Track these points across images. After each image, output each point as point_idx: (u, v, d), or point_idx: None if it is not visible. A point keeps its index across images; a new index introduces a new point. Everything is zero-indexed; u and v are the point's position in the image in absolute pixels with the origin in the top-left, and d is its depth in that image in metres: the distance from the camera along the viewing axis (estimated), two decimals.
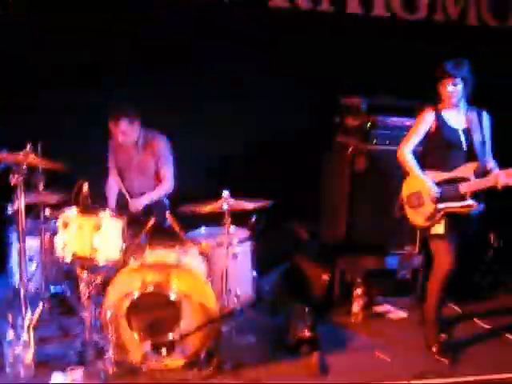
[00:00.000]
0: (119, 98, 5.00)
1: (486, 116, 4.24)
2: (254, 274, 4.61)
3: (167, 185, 4.88)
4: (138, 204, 4.76)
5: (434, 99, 4.24)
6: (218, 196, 4.19)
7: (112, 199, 4.91)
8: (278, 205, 4.46)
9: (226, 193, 4.18)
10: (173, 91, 5.56)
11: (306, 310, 4.42)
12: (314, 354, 4.05)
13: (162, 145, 4.88)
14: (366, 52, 5.89)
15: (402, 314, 5.04)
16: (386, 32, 6.03)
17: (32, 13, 5.33)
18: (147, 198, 4.81)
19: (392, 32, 6.05)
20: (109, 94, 5.19)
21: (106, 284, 3.95)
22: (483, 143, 4.19)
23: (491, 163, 4.24)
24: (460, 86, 4.10)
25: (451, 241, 4.15)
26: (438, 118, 4.20)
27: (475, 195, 4.09)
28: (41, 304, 4.33)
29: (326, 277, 5.03)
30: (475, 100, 4.23)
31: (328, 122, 5.60)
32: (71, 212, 3.90)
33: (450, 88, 4.11)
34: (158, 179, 4.93)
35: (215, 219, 4.35)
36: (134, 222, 4.29)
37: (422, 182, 4.20)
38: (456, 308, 5.12)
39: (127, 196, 4.85)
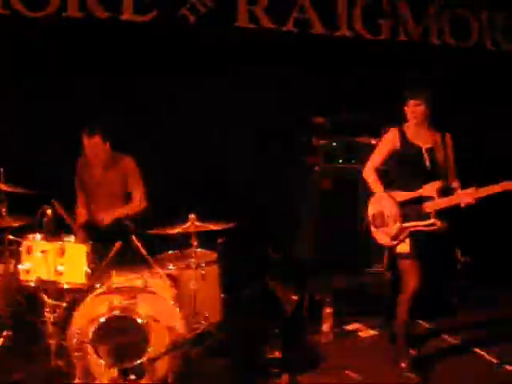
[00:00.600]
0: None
1: (448, 136, 4.32)
2: (223, 295, 4.58)
3: (136, 204, 4.84)
4: (108, 217, 4.69)
5: (399, 118, 4.30)
6: (186, 218, 4.17)
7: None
8: (246, 226, 4.46)
9: (192, 215, 4.17)
10: (141, 113, 5.55)
11: (276, 330, 4.40)
12: (284, 374, 4.03)
13: (131, 166, 4.85)
14: (330, 72, 5.95)
15: (372, 332, 5.05)
16: (350, 52, 6.10)
17: None
18: (117, 211, 4.74)
19: (356, 52, 6.11)
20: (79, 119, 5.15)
21: (71, 309, 3.88)
22: (446, 162, 4.26)
23: (454, 182, 4.30)
24: (423, 107, 4.17)
25: (417, 259, 4.18)
26: (403, 137, 4.25)
27: (439, 214, 4.14)
28: (5, 331, 4.25)
29: (295, 297, 5.03)
30: (438, 120, 4.30)
31: (295, 142, 5.63)
32: (35, 237, 3.85)
33: (414, 109, 4.17)
34: (126, 201, 4.89)
35: (183, 242, 4.33)
36: (100, 246, 4.23)
37: (385, 202, 4.24)
38: (425, 324, 5.15)
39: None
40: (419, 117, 4.20)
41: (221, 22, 5.89)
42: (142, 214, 4.88)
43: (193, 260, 4.26)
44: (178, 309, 3.94)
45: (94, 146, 4.69)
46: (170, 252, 4.75)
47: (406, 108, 4.22)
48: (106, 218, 4.68)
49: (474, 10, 6.53)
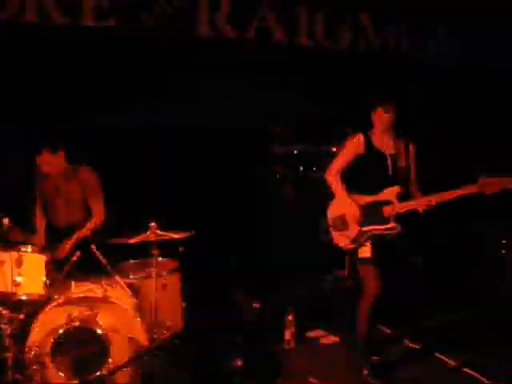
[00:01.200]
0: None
1: (411, 145, 4.39)
2: (184, 304, 4.55)
3: (97, 218, 4.78)
4: (66, 248, 4.61)
5: (363, 125, 4.35)
6: (146, 227, 4.14)
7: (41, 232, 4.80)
8: (207, 234, 4.45)
9: (153, 224, 4.14)
10: (98, 120, 5.49)
11: (238, 338, 4.39)
12: (247, 383, 4.02)
13: (90, 177, 4.79)
14: (291, 80, 5.99)
15: (334, 339, 5.08)
16: (311, 60, 6.14)
17: None
18: (75, 238, 4.67)
19: (316, 60, 6.16)
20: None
21: (29, 321, 3.81)
22: (407, 169, 4.33)
23: (414, 188, 4.38)
24: (390, 115, 4.22)
25: (378, 264, 4.23)
26: (367, 142, 4.30)
27: (399, 218, 4.20)
28: None
29: (256, 304, 5.03)
30: (401, 128, 4.37)
31: (257, 151, 5.65)
32: None
33: (381, 115, 4.22)
34: (85, 211, 4.83)
35: (143, 251, 4.29)
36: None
37: (346, 205, 4.29)
38: (386, 330, 5.20)
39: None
40: (386, 124, 4.25)
41: (181, 30, 5.87)
42: (101, 225, 4.83)
43: (154, 269, 4.22)
44: (138, 319, 3.91)
45: (46, 162, 4.65)
46: (131, 261, 4.70)
47: (373, 115, 4.27)
48: (62, 251, 4.59)
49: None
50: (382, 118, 4.23)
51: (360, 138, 4.32)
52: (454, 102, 6.32)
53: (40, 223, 4.84)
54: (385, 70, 6.17)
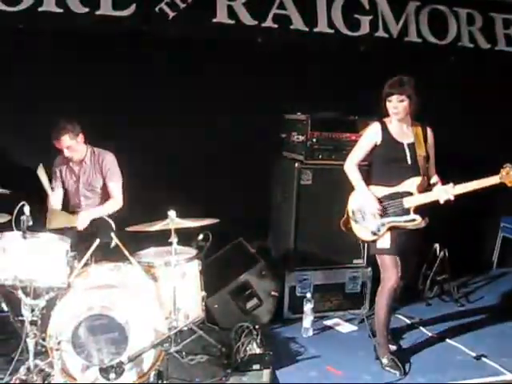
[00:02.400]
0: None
1: (429, 131, 4.33)
2: (203, 292, 4.56)
3: (115, 201, 4.83)
4: (84, 220, 4.66)
5: (380, 114, 4.30)
6: (165, 215, 4.15)
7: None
8: (226, 222, 4.44)
9: (172, 212, 4.14)
10: (120, 109, 5.50)
11: (257, 326, 4.40)
12: (265, 371, 4.03)
13: (110, 162, 4.86)
14: (309, 68, 5.95)
15: (353, 327, 5.08)
16: (330, 48, 6.09)
17: None
18: (94, 212, 4.73)
19: (336, 48, 6.11)
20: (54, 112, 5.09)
21: (50, 308, 3.84)
22: (427, 158, 4.27)
23: (434, 178, 4.33)
24: (405, 103, 4.15)
25: (397, 254, 4.20)
26: (384, 131, 4.25)
27: (419, 210, 4.16)
28: None
29: (275, 293, 5.04)
30: (418, 115, 4.31)
31: (275, 139, 5.62)
32: (12, 235, 3.80)
33: (396, 104, 4.15)
34: (104, 197, 4.87)
35: (162, 239, 4.30)
36: (79, 244, 4.19)
37: (364, 197, 4.25)
38: (405, 319, 5.18)
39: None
40: (402, 112, 4.18)
41: (199, 18, 5.85)
42: (120, 211, 4.86)
43: (173, 257, 4.24)
44: (158, 307, 3.92)
45: (66, 146, 4.70)
46: (150, 249, 4.72)
47: (388, 103, 4.20)
48: (82, 222, 4.63)
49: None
50: (397, 106, 4.15)
51: (376, 127, 4.27)
52: (475, 87, 6.23)
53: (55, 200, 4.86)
54: (403, 57, 6.10)
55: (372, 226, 4.24)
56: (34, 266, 3.71)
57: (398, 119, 4.22)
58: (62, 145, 4.70)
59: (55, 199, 4.85)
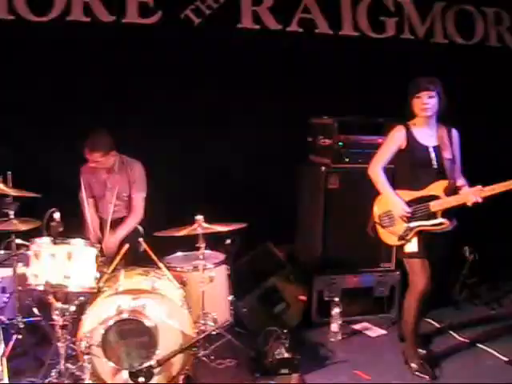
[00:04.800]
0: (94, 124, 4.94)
1: (455, 133, 4.27)
2: (231, 297, 4.58)
3: (137, 214, 4.85)
4: (112, 243, 4.70)
5: (404, 117, 4.27)
6: (193, 220, 4.17)
7: (96, 228, 4.88)
8: (253, 226, 4.46)
9: (199, 217, 4.17)
10: (148, 115, 5.56)
11: (285, 331, 4.40)
12: (293, 375, 4.03)
13: (138, 171, 4.87)
14: (335, 71, 5.94)
15: (381, 332, 5.05)
16: (355, 51, 6.08)
17: None
18: (120, 234, 4.75)
19: (361, 51, 6.10)
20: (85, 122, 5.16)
21: (80, 312, 3.89)
22: (453, 161, 4.21)
23: (461, 181, 4.27)
24: (435, 100, 4.10)
25: (425, 258, 4.16)
26: (409, 135, 4.20)
27: (446, 213, 4.12)
28: (15, 335, 4.27)
29: (303, 297, 5.03)
30: (445, 117, 4.27)
31: (301, 143, 5.63)
32: (43, 240, 3.86)
33: (426, 100, 4.08)
34: (130, 204, 4.91)
35: (190, 243, 4.33)
36: None
37: (392, 201, 4.22)
38: (434, 323, 5.14)
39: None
40: (431, 109, 4.11)
41: (224, 23, 5.89)
42: (147, 217, 4.90)
43: (201, 262, 4.26)
44: (186, 311, 3.95)
45: (96, 161, 4.73)
46: (178, 254, 4.76)
47: (416, 100, 4.12)
48: (108, 248, 4.66)
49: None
50: (428, 102, 4.08)
51: (400, 130, 4.21)
52: (503, 87, 6.16)
53: (92, 218, 4.90)
54: (429, 58, 6.07)
55: (399, 230, 4.20)
56: (64, 271, 3.77)
57: (425, 117, 4.16)
58: (92, 158, 4.72)
59: (92, 215, 4.91)
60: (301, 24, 6.04)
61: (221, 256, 4.65)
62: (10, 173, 4.22)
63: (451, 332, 4.97)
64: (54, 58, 5.40)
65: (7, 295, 4.51)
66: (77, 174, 4.90)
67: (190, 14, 5.79)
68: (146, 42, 5.60)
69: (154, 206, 4.92)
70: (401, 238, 4.20)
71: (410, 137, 4.20)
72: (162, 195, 5.04)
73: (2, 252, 4.50)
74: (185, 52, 5.69)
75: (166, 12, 5.70)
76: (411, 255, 4.20)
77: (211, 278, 4.35)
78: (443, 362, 4.43)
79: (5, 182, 4.14)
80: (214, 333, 4.28)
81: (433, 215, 4.12)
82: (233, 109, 5.72)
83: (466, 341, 4.80)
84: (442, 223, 4.11)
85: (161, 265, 4.21)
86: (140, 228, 4.86)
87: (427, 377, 4.18)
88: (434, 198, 4.12)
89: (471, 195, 4.03)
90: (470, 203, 4.03)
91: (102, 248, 4.37)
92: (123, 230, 4.76)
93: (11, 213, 4.25)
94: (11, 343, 4.16)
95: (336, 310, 4.87)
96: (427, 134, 4.21)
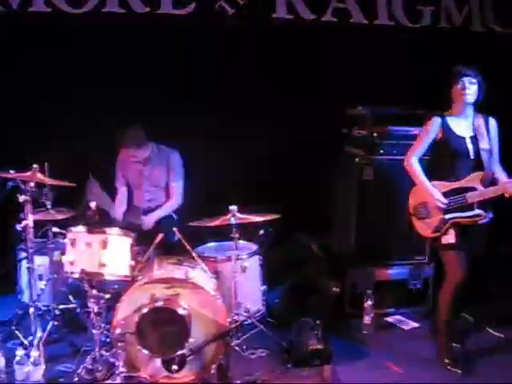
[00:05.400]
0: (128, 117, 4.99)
1: (493, 123, 4.19)
2: (264, 287, 4.59)
3: (175, 200, 4.91)
4: (149, 222, 4.78)
5: (440, 107, 4.21)
6: (226, 210, 4.19)
7: (120, 212, 4.93)
8: (286, 217, 4.45)
9: (233, 207, 4.18)
10: (183, 103, 5.59)
11: (317, 322, 4.39)
12: (325, 366, 4.02)
13: (175, 160, 4.93)
14: (370, 62, 5.88)
15: (414, 324, 5.00)
16: (390, 41, 6.01)
17: None
18: (157, 214, 4.84)
19: (396, 41, 6.02)
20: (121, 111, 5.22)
21: (114, 300, 3.95)
22: (490, 151, 4.14)
23: (499, 171, 4.19)
24: (476, 87, 4.03)
25: (462, 250, 4.10)
26: (445, 125, 4.14)
27: (483, 205, 4.06)
28: (50, 322, 4.36)
29: (336, 289, 5.01)
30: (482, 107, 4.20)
31: (336, 133, 5.59)
32: (79, 229, 3.92)
33: (468, 86, 4.01)
34: (167, 192, 4.96)
35: (224, 233, 4.35)
36: (143, 238, 4.29)
37: (428, 193, 4.17)
38: (468, 317, 5.06)
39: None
40: (472, 96, 4.04)
41: (259, 14, 5.88)
42: (182, 207, 4.94)
43: (234, 252, 4.27)
44: (219, 300, 3.97)
45: (132, 155, 4.83)
46: (212, 244, 4.78)
47: (457, 86, 4.04)
48: (146, 223, 4.73)
49: None
50: (469, 88, 4.01)
51: (436, 121, 4.16)
52: None
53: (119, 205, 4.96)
54: (467, 48, 5.95)
55: (435, 222, 4.15)
56: (99, 259, 3.83)
57: (466, 103, 4.06)
58: (129, 152, 4.82)
59: (118, 208, 4.98)
60: (335, 14, 5.99)
61: (254, 246, 4.66)
62: (46, 163, 4.29)
63: (485, 327, 4.89)
64: (89, 48, 5.47)
65: (44, 283, 4.59)
66: (113, 163, 4.96)
67: (224, 5, 5.78)
68: (179, 33, 5.62)
69: (189, 196, 4.95)
70: (436, 229, 4.15)
71: (446, 127, 4.14)
72: (198, 184, 5.06)
73: (39, 240, 4.56)
74: (218, 42, 5.69)
75: (199, 3, 5.71)
76: (448, 247, 4.14)
77: (244, 268, 4.37)
78: (477, 357, 4.36)
79: (42, 171, 4.20)
80: (246, 323, 4.29)
81: (469, 207, 4.06)
82: (267, 99, 5.70)
83: (502, 336, 4.73)
84: (478, 215, 4.05)
85: (194, 254, 4.24)
86: (175, 217, 4.91)
87: (460, 372, 4.12)
88: (471, 189, 4.06)
89: (509, 186, 3.96)
90: (508, 194, 3.96)
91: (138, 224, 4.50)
92: (160, 212, 4.82)
93: (48, 202, 4.32)
94: (47, 330, 4.24)
95: (369, 303, 4.84)
96: (464, 125, 4.15)
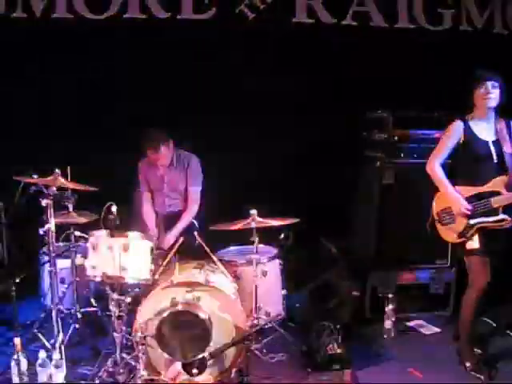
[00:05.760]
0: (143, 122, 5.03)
1: None
2: (284, 291, 4.59)
3: (193, 208, 4.90)
4: (169, 240, 4.77)
5: (462, 110, 4.18)
6: (247, 214, 4.20)
7: (152, 224, 4.94)
8: (307, 221, 4.45)
9: (254, 211, 4.19)
10: (198, 109, 5.62)
11: (337, 326, 4.37)
12: (346, 371, 4.01)
13: (194, 166, 4.93)
14: (391, 65, 5.86)
15: (436, 329, 4.96)
16: (411, 44, 5.98)
17: None
18: (177, 230, 4.80)
19: (417, 44, 6.00)
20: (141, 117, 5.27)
21: (135, 304, 3.97)
22: None
23: None
24: (498, 91, 4.00)
25: (486, 255, 4.06)
26: (467, 129, 4.10)
27: (508, 209, 4.02)
28: (72, 325, 4.40)
29: (356, 293, 4.99)
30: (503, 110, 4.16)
31: (356, 137, 5.57)
32: (100, 233, 3.96)
33: (491, 90, 3.98)
34: (186, 197, 4.97)
35: (244, 237, 4.36)
36: None
37: (451, 199, 4.13)
38: (491, 322, 5.01)
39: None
40: (495, 100, 4.01)
41: (279, 17, 5.89)
42: (202, 211, 4.95)
43: (254, 256, 4.28)
44: (239, 304, 3.98)
45: (163, 156, 4.83)
46: (232, 248, 4.79)
47: (480, 89, 4.01)
48: (167, 242, 4.73)
49: None
50: (493, 92, 3.98)
51: (458, 125, 4.12)
52: None
53: (149, 213, 4.99)
54: (488, 50, 5.91)
55: (459, 227, 4.11)
56: (121, 263, 3.85)
57: (483, 113, 4.08)
58: (159, 155, 4.81)
59: (148, 210, 5.00)
60: (355, 17, 5.98)
61: (274, 250, 4.66)
62: (69, 167, 4.34)
63: (509, 332, 4.84)
64: (110, 53, 5.52)
65: (66, 286, 4.65)
66: (134, 168, 5.00)
67: (245, 9, 5.80)
68: (201, 38, 5.66)
69: (208, 200, 4.97)
70: (461, 235, 4.10)
71: (468, 131, 4.10)
72: (218, 189, 5.08)
73: (62, 244, 4.61)
74: (237, 47, 5.72)
75: (220, 8, 5.74)
76: (472, 252, 4.10)
77: (264, 272, 4.37)
78: (499, 362, 4.31)
79: (64, 175, 4.24)
80: (266, 327, 4.29)
81: (494, 211, 4.01)
82: (285, 103, 5.71)
83: None
84: (503, 219, 4.00)
85: (215, 258, 4.25)
86: (195, 222, 4.92)
87: (482, 377, 4.08)
88: (495, 193, 4.01)
89: None
90: None
91: (158, 243, 4.45)
92: (180, 226, 4.82)
93: (70, 206, 4.37)
94: (69, 332, 4.28)
95: (390, 307, 4.81)
96: (486, 128, 4.11)
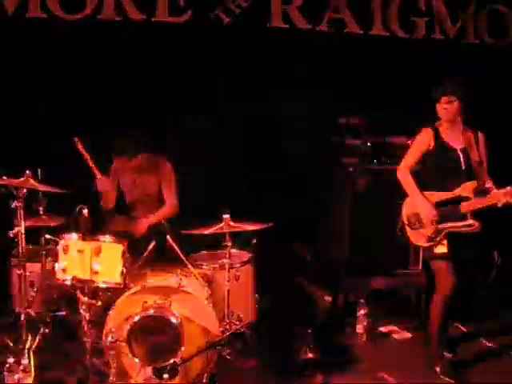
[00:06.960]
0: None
1: (481, 136, 4.26)
2: (256, 295, 4.58)
3: (170, 208, 4.88)
4: (141, 228, 4.75)
5: (432, 118, 4.24)
6: (219, 219, 4.19)
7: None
8: (279, 226, 4.45)
9: (226, 215, 4.18)
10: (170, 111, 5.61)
11: (309, 331, 4.39)
12: (317, 375, 4.02)
13: (166, 168, 4.88)
14: (364, 71, 5.90)
15: (406, 335, 5.00)
16: (385, 51, 6.04)
17: None
18: (150, 220, 4.80)
19: (390, 51, 6.05)
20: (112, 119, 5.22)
21: (106, 308, 3.93)
22: (480, 162, 4.19)
23: (488, 182, 4.23)
24: (456, 104, 4.10)
25: (453, 260, 4.12)
26: (437, 137, 4.19)
27: (475, 214, 4.07)
28: (41, 329, 4.33)
29: (328, 298, 5.01)
30: (470, 119, 4.23)
31: (329, 143, 5.60)
32: (71, 236, 3.91)
33: (446, 106, 4.10)
34: (161, 203, 4.93)
35: (216, 242, 4.35)
36: (135, 246, 4.28)
37: (420, 205, 4.18)
38: (460, 327, 5.07)
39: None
40: (451, 114, 4.12)
41: (254, 22, 5.90)
42: (175, 215, 4.92)
43: (227, 260, 4.27)
44: (211, 309, 3.96)
45: (124, 163, 4.81)
46: (204, 252, 4.77)
47: (437, 105, 4.14)
48: (138, 229, 4.72)
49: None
50: (447, 108, 4.09)
51: (428, 132, 4.20)
52: None
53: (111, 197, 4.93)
54: (459, 59, 5.99)
55: (428, 232, 4.17)
56: (92, 266, 3.81)
57: (448, 122, 4.16)
58: (120, 162, 4.80)
59: (110, 198, 4.94)
60: (330, 23, 6.01)
61: (247, 255, 4.66)
62: (39, 169, 4.28)
63: (478, 337, 4.89)
64: (84, 55, 5.46)
65: (35, 289, 4.57)
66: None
67: (220, 13, 5.80)
68: (175, 41, 5.64)
69: (180, 203, 4.94)
70: (429, 239, 4.16)
71: (437, 139, 4.19)
72: (189, 192, 5.05)
73: (31, 247, 4.54)
74: (213, 50, 5.71)
75: (195, 11, 5.73)
76: (439, 257, 4.16)
77: (237, 276, 4.36)
78: (469, 366, 4.38)
79: (35, 177, 4.18)
80: (238, 331, 4.27)
81: (463, 216, 4.08)
82: (257, 107, 5.70)
83: (494, 346, 4.73)
84: (472, 224, 4.07)
85: (187, 262, 4.23)
86: (167, 225, 4.88)
87: (452, 381, 4.13)
88: (464, 199, 4.08)
89: (502, 196, 3.99)
90: (501, 204, 3.98)
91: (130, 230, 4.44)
92: (155, 216, 4.80)
93: (40, 208, 4.31)
94: (38, 337, 4.22)
95: (361, 312, 4.84)
96: (454, 136, 4.21)
